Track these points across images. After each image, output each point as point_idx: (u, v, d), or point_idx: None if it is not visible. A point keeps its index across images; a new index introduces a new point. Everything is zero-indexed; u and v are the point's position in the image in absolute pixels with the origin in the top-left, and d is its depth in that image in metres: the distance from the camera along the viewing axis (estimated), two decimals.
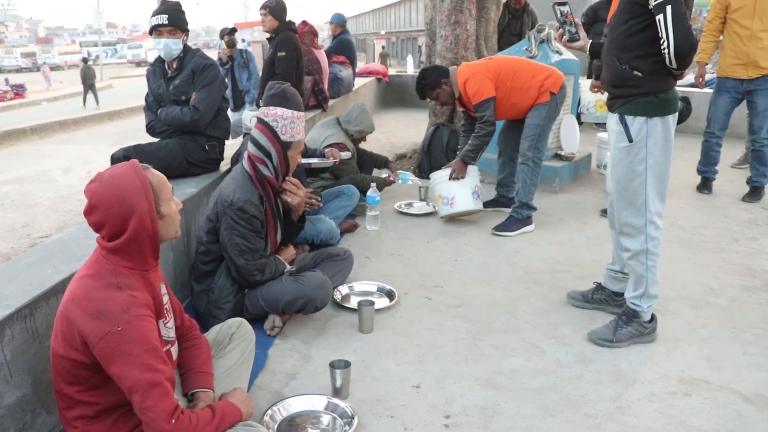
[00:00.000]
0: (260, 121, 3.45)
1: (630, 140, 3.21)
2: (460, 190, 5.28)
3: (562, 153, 6.79)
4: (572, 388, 3.03)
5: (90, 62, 27.33)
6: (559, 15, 3.64)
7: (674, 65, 3.02)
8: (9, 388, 2.33)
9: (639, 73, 3.16)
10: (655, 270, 3.37)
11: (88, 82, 24.69)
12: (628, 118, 3.22)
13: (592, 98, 6.26)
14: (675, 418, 2.80)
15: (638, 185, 3.26)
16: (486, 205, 5.64)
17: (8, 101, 28.09)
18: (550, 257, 4.70)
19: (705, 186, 6.43)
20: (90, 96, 24.93)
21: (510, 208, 5.49)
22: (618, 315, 3.52)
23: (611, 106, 3.35)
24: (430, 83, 5.26)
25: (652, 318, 3.48)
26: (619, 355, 3.33)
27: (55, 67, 49.43)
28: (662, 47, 2.98)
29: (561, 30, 3.69)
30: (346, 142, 5.59)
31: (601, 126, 8.52)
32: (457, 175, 5.21)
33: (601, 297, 3.82)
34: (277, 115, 3.42)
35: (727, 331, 3.58)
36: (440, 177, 5.34)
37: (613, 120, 3.34)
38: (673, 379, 3.11)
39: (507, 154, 5.68)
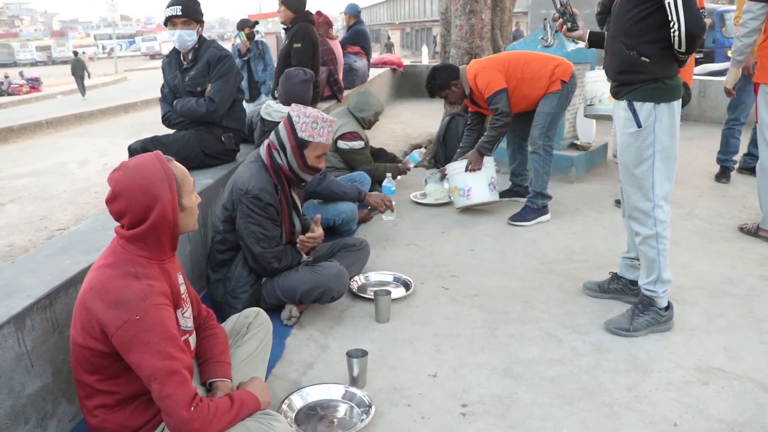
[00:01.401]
0: (288, 113, 3.48)
1: (639, 125, 3.24)
2: (476, 181, 5.27)
3: (578, 142, 6.77)
4: (589, 377, 3.03)
5: (80, 55, 28.97)
6: (558, 5, 3.68)
7: (683, 48, 3.04)
8: (30, 378, 2.35)
9: (646, 59, 3.18)
10: (666, 254, 3.39)
11: (78, 73, 25.65)
12: (636, 104, 3.24)
13: (606, 88, 6.15)
14: (692, 407, 2.79)
15: (646, 170, 3.29)
16: (501, 194, 5.64)
17: (24, 95, 28.23)
18: (566, 247, 4.69)
19: (723, 175, 6.37)
20: (88, 88, 26.07)
21: (526, 197, 5.48)
22: (634, 304, 3.52)
23: (617, 93, 3.38)
24: (439, 84, 5.28)
25: (669, 306, 3.47)
26: (635, 344, 3.32)
27: (70, 60, 49.75)
28: (672, 30, 3.01)
29: (561, 20, 3.71)
30: (358, 131, 5.62)
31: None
32: (474, 167, 5.20)
33: (618, 287, 3.81)
34: (302, 111, 3.43)
35: (745, 320, 3.55)
36: (456, 168, 5.31)
37: (620, 107, 3.36)
38: (690, 368, 3.10)
39: (516, 143, 5.69)
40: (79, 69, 25.84)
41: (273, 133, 3.51)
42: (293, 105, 3.53)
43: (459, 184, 5.32)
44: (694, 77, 8.97)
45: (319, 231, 3.64)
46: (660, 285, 3.40)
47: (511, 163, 5.82)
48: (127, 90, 26.61)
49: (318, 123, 3.41)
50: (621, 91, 3.33)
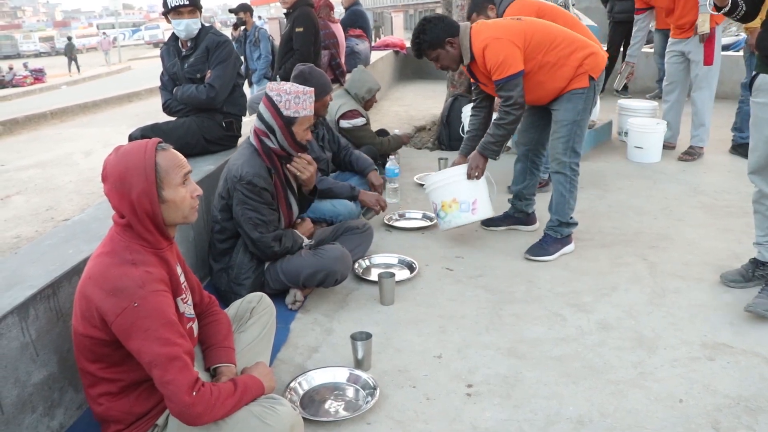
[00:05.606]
0: (266, 95, 3.44)
1: None
2: (481, 192, 4.20)
3: None
4: (594, 355, 3.03)
5: (72, 39, 40.26)
6: None
7: None
8: (36, 367, 2.37)
9: None
10: None
11: (68, 54, 35.38)
12: None
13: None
14: (698, 383, 2.79)
15: None
16: (498, 222, 4.68)
17: (28, 86, 28.24)
18: None
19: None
20: (79, 66, 35.34)
21: (529, 226, 4.65)
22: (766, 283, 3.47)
23: None
24: (431, 41, 3.96)
25: None
26: (641, 321, 3.32)
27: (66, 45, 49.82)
28: None
29: None
30: (358, 109, 5.67)
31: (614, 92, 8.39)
32: (479, 173, 4.10)
33: (765, 273, 3.64)
34: (281, 89, 3.38)
35: (751, 295, 3.52)
36: (453, 176, 4.18)
37: None
38: (695, 344, 3.10)
39: (528, 159, 4.50)
40: (69, 51, 35.41)
41: (256, 118, 3.47)
42: (269, 85, 3.48)
43: (461, 196, 4.15)
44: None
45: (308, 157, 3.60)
46: None
47: (516, 182, 4.57)
48: (131, 79, 26.55)
49: (300, 97, 3.36)
50: None
